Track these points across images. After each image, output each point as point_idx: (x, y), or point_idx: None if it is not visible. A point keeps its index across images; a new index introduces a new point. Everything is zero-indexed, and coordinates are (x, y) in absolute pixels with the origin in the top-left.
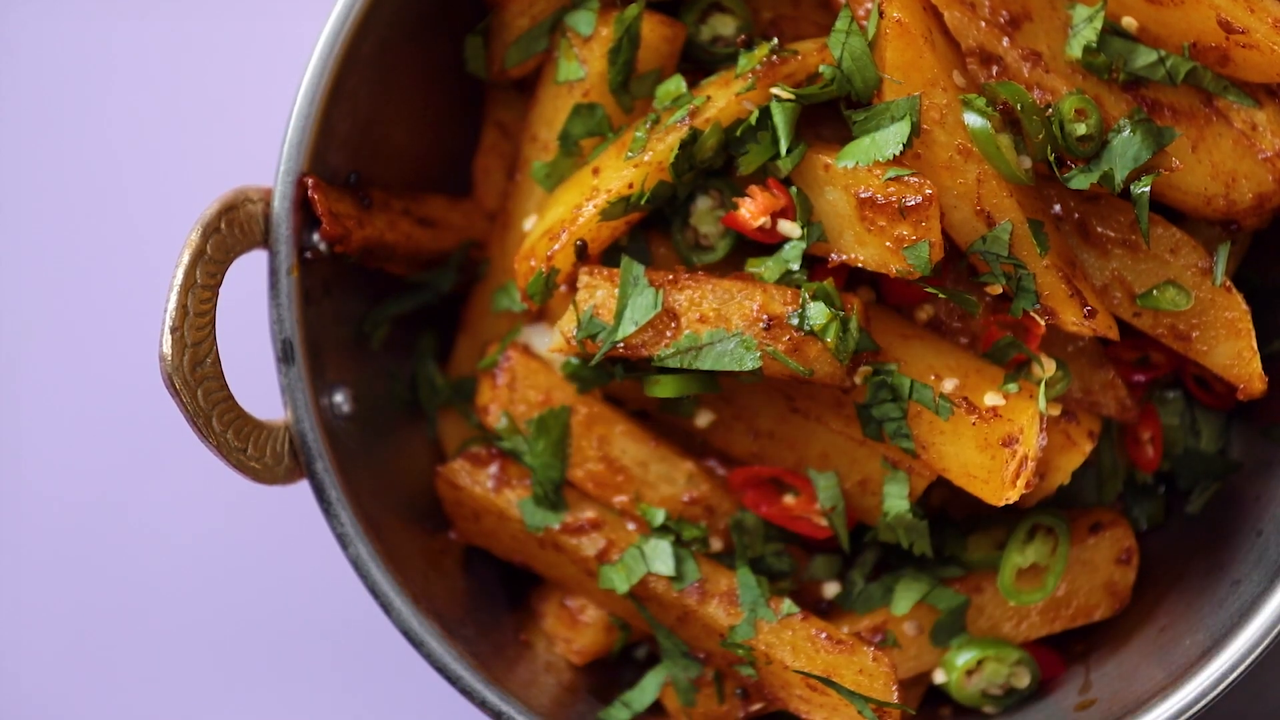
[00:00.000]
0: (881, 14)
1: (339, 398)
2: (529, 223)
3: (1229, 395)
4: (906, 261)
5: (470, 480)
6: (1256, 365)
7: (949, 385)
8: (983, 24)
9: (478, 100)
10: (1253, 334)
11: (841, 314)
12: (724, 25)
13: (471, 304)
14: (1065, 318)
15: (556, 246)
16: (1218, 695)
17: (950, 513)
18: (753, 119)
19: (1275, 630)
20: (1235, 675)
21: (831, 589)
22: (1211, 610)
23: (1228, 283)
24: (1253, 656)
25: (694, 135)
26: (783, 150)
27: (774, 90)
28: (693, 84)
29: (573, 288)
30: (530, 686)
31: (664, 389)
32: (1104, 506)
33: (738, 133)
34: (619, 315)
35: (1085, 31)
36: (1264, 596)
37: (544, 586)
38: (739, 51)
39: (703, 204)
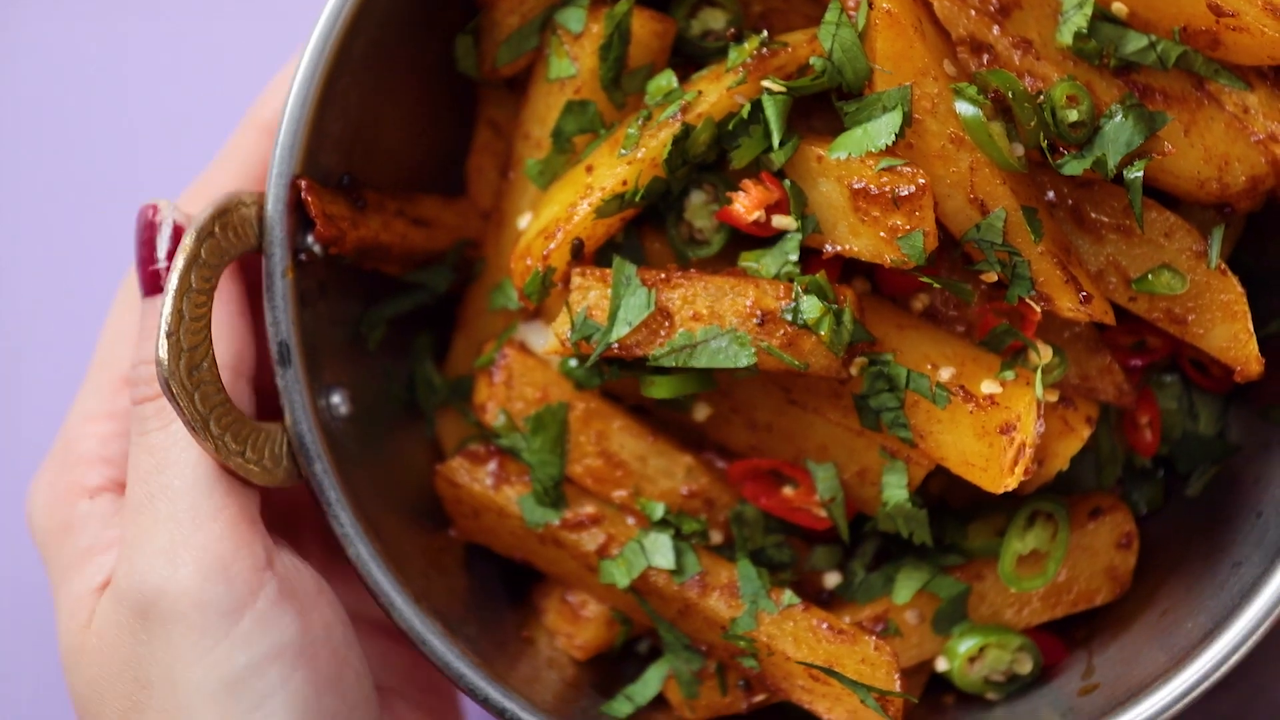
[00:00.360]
0: (871, 4)
1: (336, 399)
2: (523, 220)
3: (1226, 378)
4: (901, 251)
5: (469, 478)
6: (1253, 347)
7: (946, 374)
8: (972, 12)
9: (470, 99)
10: (1249, 316)
11: (835, 306)
12: (714, 19)
13: (467, 303)
14: (1061, 303)
15: (552, 245)
16: (1220, 676)
17: (949, 501)
18: (744, 112)
19: (1276, 611)
20: (1237, 656)
21: (832, 579)
22: (1212, 593)
23: (1223, 265)
24: (1255, 637)
25: (686, 130)
26: (775, 143)
27: (765, 83)
28: (684, 79)
29: (568, 287)
30: (533, 683)
31: (660, 389)
32: (1103, 491)
33: (730, 127)
34: (613, 316)
35: (1075, 18)
36: (1264, 578)
37: (545, 582)
38: (729, 45)
39: (697, 199)
